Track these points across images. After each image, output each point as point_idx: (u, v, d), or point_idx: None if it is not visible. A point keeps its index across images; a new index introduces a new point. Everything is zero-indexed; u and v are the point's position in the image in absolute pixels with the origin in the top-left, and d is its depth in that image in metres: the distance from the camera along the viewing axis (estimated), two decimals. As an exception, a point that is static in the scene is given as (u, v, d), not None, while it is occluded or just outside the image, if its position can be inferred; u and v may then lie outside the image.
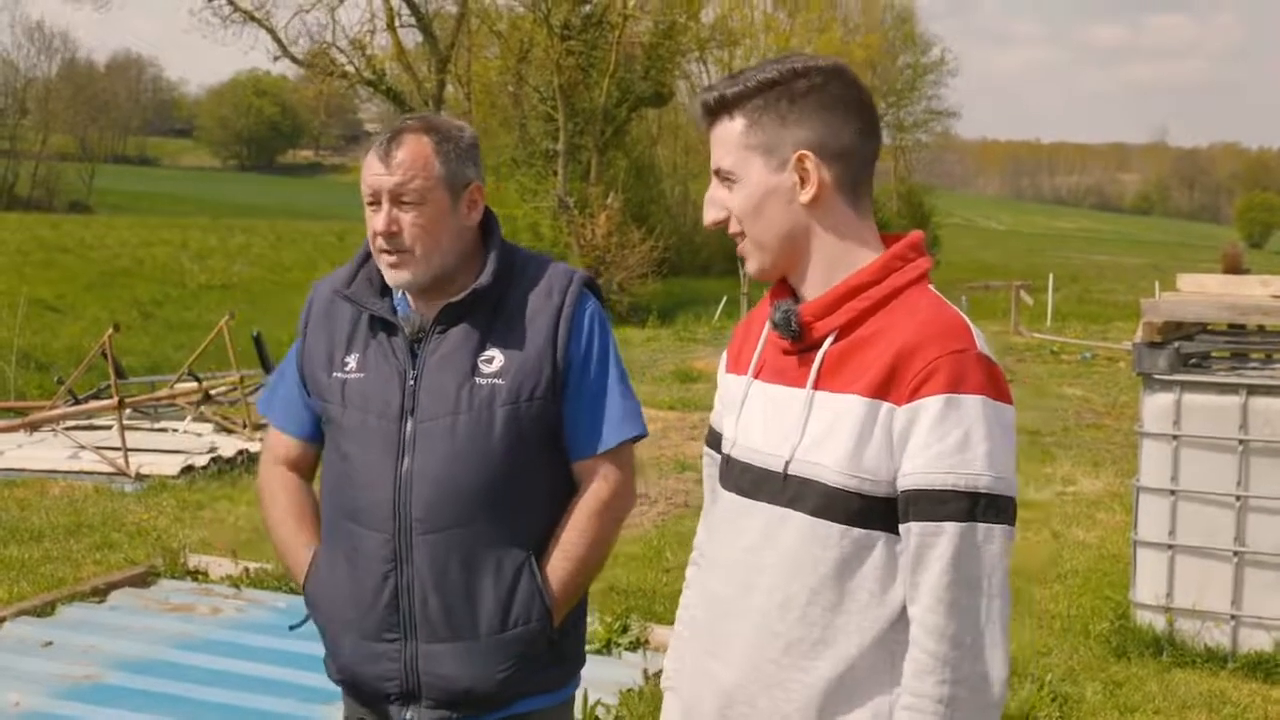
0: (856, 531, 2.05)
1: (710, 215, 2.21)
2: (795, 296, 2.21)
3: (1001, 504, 2.01)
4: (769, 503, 2.13)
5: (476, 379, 2.65)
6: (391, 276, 2.69)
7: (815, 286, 2.17)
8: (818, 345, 2.12)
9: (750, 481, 2.18)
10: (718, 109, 2.17)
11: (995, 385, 2.02)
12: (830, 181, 2.12)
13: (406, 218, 2.64)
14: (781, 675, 2.10)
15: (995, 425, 2.00)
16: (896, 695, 2.05)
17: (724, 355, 2.42)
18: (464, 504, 2.63)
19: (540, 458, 2.71)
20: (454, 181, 2.68)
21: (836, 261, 2.15)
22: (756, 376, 2.24)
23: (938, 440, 1.98)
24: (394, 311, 2.74)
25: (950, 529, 1.98)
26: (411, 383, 2.67)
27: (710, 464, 2.42)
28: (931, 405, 1.99)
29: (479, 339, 2.68)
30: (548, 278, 2.75)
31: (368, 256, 2.80)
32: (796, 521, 2.09)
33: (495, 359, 2.66)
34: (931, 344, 2.01)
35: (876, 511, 2.05)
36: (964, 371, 2.00)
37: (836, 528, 2.05)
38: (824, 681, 2.07)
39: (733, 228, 2.19)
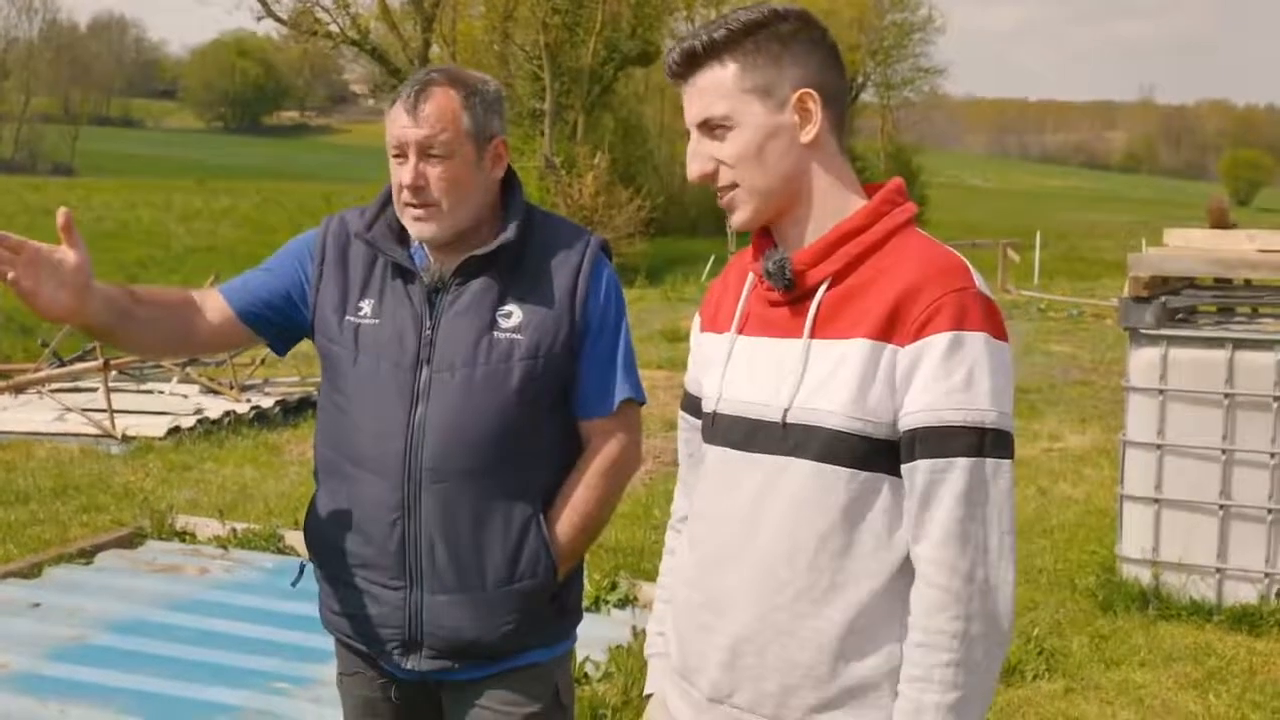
0: (863, 474, 2.04)
1: (697, 168, 2.17)
2: (777, 248, 2.19)
3: (1005, 439, 2.01)
4: (768, 453, 2.11)
5: (495, 332, 2.65)
6: (416, 229, 2.67)
7: (807, 233, 2.15)
8: (810, 294, 2.11)
9: (743, 434, 2.16)
10: (707, 55, 2.12)
11: (995, 322, 2.03)
12: (827, 121, 2.12)
13: (434, 171, 2.62)
14: (793, 623, 2.09)
15: (997, 362, 2.01)
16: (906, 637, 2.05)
17: (697, 317, 2.40)
18: (475, 455, 2.63)
19: (551, 414, 2.72)
20: (480, 135, 2.66)
21: (829, 206, 2.13)
22: (741, 332, 2.22)
23: (944, 377, 1.98)
24: (412, 260, 2.73)
25: (960, 464, 1.98)
26: (429, 331, 2.66)
27: (686, 429, 2.41)
28: (937, 343, 1.98)
29: (498, 293, 2.67)
30: (566, 238, 2.75)
31: (386, 203, 2.77)
32: (800, 468, 2.07)
33: (514, 314, 2.66)
34: (933, 284, 2.01)
35: (881, 453, 2.04)
36: (966, 309, 2.00)
37: (844, 471, 2.04)
38: (836, 627, 2.06)
39: (723, 179, 2.15)
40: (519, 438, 2.65)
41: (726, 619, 2.16)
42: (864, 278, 2.07)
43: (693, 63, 2.14)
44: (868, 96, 63.54)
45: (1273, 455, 6.08)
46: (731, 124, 2.12)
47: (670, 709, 2.33)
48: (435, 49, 40.97)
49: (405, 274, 2.71)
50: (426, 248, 2.73)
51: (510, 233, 2.67)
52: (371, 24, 41.34)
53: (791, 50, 2.10)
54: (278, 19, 42.24)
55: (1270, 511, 6.10)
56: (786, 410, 2.08)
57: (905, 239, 2.10)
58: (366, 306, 2.72)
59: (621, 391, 2.75)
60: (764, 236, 2.21)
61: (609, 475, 2.76)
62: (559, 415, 2.73)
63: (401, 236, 2.74)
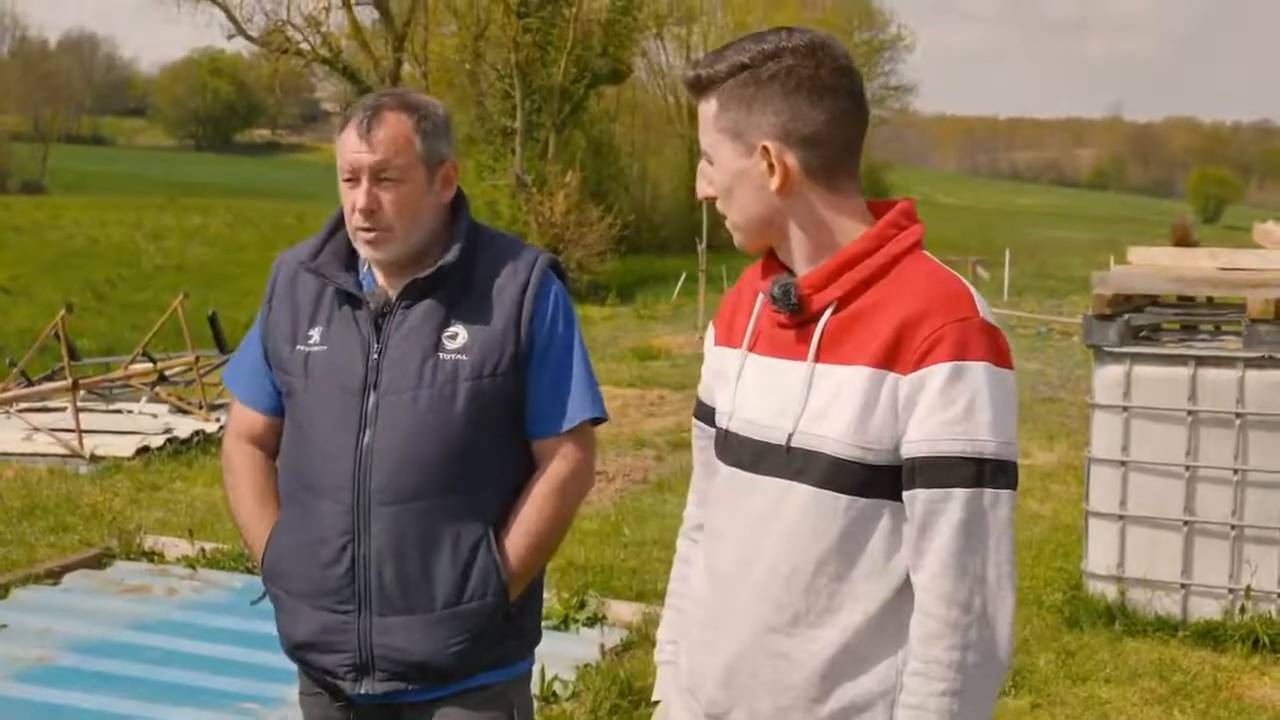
0: (862, 501, 2.06)
1: (701, 189, 2.23)
2: (786, 269, 2.21)
3: (1006, 469, 2.03)
4: (773, 476, 2.13)
5: (440, 354, 2.66)
6: (368, 253, 2.70)
7: (802, 263, 2.17)
8: (816, 318, 2.12)
9: (751, 455, 2.18)
10: (696, 89, 2.18)
11: (998, 351, 2.03)
12: (799, 168, 2.11)
13: (387, 196, 2.65)
14: (787, 645, 2.11)
15: (999, 391, 2.01)
16: (901, 662, 2.07)
17: (711, 328, 2.42)
18: (424, 477, 2.65)
19: (500, 434, 2.73)
20: (431, 159, 2.70)
21: (820, 241, 2.14)
22: (752, 349, 2.24)
23: (943, 408, 1.99)
24: (359, 285, 2.75)
25: (959, 495, 2.00)
26: (375, 356, 2.68)
27: (701, 437, 2.42)
28: (938, 373, 1.99)
29: (444, 315, 2.69)
30: (514, 257, 2.76)
31: (335, 229, 2.80)
32: (801, 493, 2.09)
33: (459, 335, 2.68)
34: (936, 313, 2.02)
35: (881, 481, 2.05)
36: (968, 339, 2.01)
37: (843, 498, 2.06)
38: (830, 650, 2.08)
39: (718, 204, 2.20)
40: (467, 459, 2.67)
41: (725, 637, 2.19)
42: (869, 303, 2.08)
43: (694, 91, 2.20)
44: (839, 115, 63.54)
45: (1235, 471, 6.14)
46: (712, 159, 2.17)
47: (672, 718, 2.36)
48: (406, 67, 40.94)
49: (352, 300, 2.74)
50: (376, 271, 2.76)
51: (451, 255, 2.70)
52: (343, 42, 41.34)
53: (764, 95, 2.09)
54: (249, 37, 42.23)
55: (1234, 528, 6.16)
56: (791, 435, 2.11)
57: (911, 264, 2.11)
58: (315, 334, 2.75)
59: (575, 411, 2.77)
60: (772, 257, 2.24)
61: (559, 495, 2.76)
62: (510, 435, 2.75)
63: (349, 263, 2.78)
